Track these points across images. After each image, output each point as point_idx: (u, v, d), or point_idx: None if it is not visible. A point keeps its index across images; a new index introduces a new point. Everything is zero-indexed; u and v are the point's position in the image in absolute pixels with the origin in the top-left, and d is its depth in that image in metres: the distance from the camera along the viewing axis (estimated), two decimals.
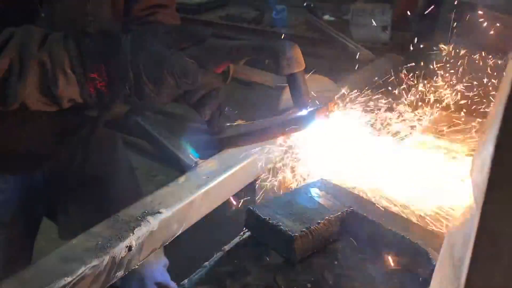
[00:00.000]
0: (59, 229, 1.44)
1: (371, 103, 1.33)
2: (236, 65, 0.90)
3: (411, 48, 1.84)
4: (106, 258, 0.80)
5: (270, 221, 0.92)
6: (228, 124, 1.00)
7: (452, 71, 1.52)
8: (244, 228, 1.02)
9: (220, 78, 0.88)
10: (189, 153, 1.01)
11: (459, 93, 1.45)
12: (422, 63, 1.60)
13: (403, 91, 1.46)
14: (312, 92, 1.19)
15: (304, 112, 0.89)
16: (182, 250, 1.13)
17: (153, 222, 0.89)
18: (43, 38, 0.83)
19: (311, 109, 0.90)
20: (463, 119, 1.37)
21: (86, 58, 0.83)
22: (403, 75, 1.49)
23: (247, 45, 0.86)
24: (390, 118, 1.31)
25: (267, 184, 1.14)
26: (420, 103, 1.44)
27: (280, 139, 1.11)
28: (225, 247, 1.00)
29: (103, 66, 0.83)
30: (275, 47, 0.85)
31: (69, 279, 0.74)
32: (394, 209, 1.02)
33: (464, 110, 1.43)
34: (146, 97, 0.85)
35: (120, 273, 0.85)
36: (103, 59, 0.83)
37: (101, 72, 0.83)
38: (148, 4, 1.27)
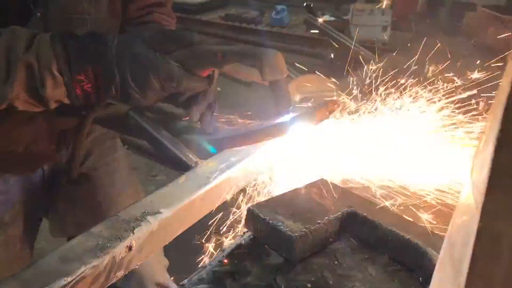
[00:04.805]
0: (50, 226, 1.44)
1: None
2: (220, 70, 0.92)
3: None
4: (106, 258, 0.80)
5: (270, 221, 0.92)
6: (222, 125, 1.01)
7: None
8: (244, 228, 1.02)
9: (205, 82, 0.91)
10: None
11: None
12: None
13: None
14: (311, 92, 1.19)
15: (285, 118, 0.91)
16: (182, 250, 1.13)
17: (153, 222, 0.89)
18: (30, 39, 0.84)
19: (293, 115, 0.92)
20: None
21: (73, 60, 0.84)
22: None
23: (232, 51, 0.88)
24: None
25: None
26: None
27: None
28: (225, 247, 1.00)
29: (90, 68, 0.84)
30: (259, 54, 0.87)
31: (69, 279, 0.74)
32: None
33: None
34: (132, 99, 0.87)
35: (120, 273, 0.85)
36: (90, 62, 0.84)
37: (88, 74, 0.85)
38: (144, 4, 1.27)
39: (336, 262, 0.91)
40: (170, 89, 0.86)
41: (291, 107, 0.93)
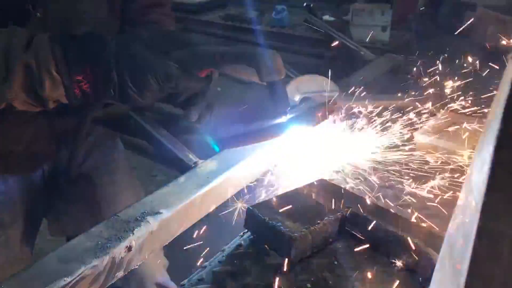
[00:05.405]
0: (49, 225, 1.44)
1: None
2: (218, 70, 0.92)
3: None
4: (106, 259, 0.80)
5: (270, 221, 0.92)
6: (221, 125, 1.01)
7: None
8: (244, 228, 1.02)
9: (203, 82, 0.91)
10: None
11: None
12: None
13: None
14: (311, 92, 1.19)
15: (285, 118, 0.92)
16: (182, 250, 1.14)
17: (153, 222, 0.88)
18: (29, 39, 0.84)
19: (293, 115, 0.92)
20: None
21: (71, 60, 0.84)
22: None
23: (230, 52, 0.88)
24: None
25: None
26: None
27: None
28: (225, 247, 1.00)
29: (88, 68, 0.84)
30: (257, 55, 0.87)
31: (69, 279, 0.74)
32: None
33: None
34: (130, 100, 0.87)
35: (120, 274, 0.85)
36: (89, 62, 0.85)
37: (86, 75, 0.85)
38: (143, 4, 1.28)
39: (335, 262, 0.91)
40: (168, 89, 0.86)
41: (288, 108, 0.93)
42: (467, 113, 1.43)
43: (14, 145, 1.15)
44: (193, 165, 1.05)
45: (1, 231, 1.24)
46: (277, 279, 0.86)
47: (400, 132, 1.34)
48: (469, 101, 1.53)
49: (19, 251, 1.31)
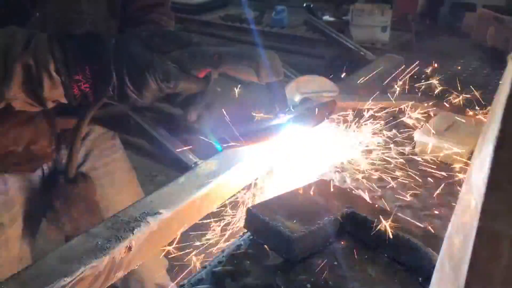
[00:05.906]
0: (47, 225, 1.44)
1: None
2: (217, 71, 0.92)
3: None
4: (106, 259, 0.80)
5: (270, 222, 0.92)
6: (220, 125, 1.01)
7: None
8: (244, 229, 1.02)
9: (202, 83, 0.91)
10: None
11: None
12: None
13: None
14: (311, 93, 1.19)
15: (285, 119, 0.92)
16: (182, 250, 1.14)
17: (153, 222, 0.89)
18: (28, 39, 0.84)
19: (293, 116, 0.92)
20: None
21: (70, 60, 0.84)
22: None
23: (228, 53, 0.89)
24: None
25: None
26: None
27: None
28: (225, 247, 1.00)
29: (88, 68, 0.84)
30: (256, 56, 0.88)
31: (68, 279, 0.74)
32: None
33: None
34: (129, 99, 0.87)
35: (119, 274, 0.85)
36: (88, 62, 0.85)
37: (85, 74, 0.85)
38: (143, 4, 1.28)
39: (336, 263, 0.91)
40: (167, 89, 0.86)
41: (287, 108, 0.93)
42: (467, 113, 1.43)
43: (14, 145, 1.15)
44: (193, 165, 1.05)
45: (1, 231, 1.24)
46: (277, 279, 0.86)
47: (400, 132, 1.34)
48: (469, 101, 1.53)
49: (19, 251, 1.31)
